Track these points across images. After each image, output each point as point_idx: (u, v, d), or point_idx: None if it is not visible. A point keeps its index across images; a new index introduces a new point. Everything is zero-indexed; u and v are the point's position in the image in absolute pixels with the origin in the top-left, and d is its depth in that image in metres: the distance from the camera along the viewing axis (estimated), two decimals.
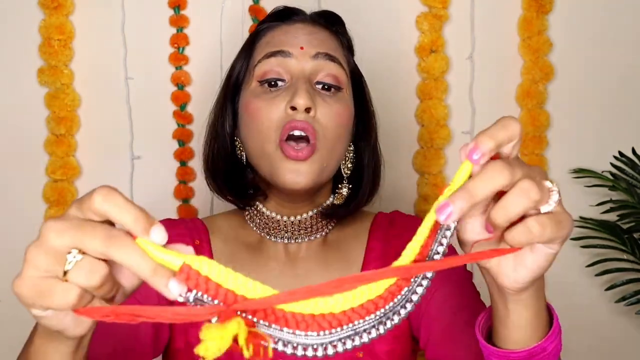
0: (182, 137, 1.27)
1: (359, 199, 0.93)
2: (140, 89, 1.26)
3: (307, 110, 0.84)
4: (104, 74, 1.26)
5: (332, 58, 0.89)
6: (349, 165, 0.94)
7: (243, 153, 0.92)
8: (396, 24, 1.30)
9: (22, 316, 1.30)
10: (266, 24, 0.95)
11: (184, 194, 1.27)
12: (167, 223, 0.94)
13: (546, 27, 1.30)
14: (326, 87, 0.88)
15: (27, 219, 1.26)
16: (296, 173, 0.84)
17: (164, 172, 1.28)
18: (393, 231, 0.94)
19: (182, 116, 1.27)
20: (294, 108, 0.84)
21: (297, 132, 0.84)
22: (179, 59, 1.26)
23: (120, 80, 1.26)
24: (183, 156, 1.27)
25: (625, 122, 1.34)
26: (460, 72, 1.31)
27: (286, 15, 0.94)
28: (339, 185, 0.95)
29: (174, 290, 0.46)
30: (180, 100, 1.27)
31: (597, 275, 1.29)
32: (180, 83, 1.27)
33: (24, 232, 1.27)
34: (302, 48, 0.88)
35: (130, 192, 1.27)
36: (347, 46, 0.96)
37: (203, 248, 0.92)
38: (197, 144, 1.27)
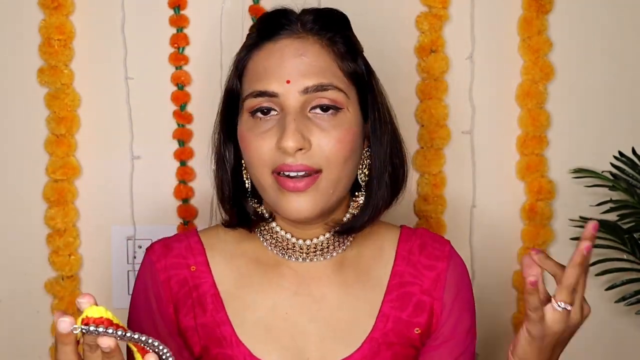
0: (182, 137, 1.27)
1: (371, 207, 0.85)
2: (140, 89, 1.26)
3: (300, 149, 0.78)
4: (104, 74, 1.26)
5: (323, 88, 0.80)
6: (366, 172, 0.86)
7: (248, 180, 0.87)
8: (396, 24, 1.30)
9: (22, 316, 1.31)
10: (251, 38, 0.86)
11: (183, 194, 1.27)
12: (163, 246, 0.89)
13: (546, 27, 1.30)
14: (324, 108, 0.80)
15: (27, 219, 1.26)
16: (298, 204, 0.79)
17: (164, 172, 1.28)
18: (424, 260, 0.89)
19: (182, 116, 1.27)
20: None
21: (292, 174, 0.79)
22: (179, 59, 1.26)
23: (120, 80, 1.26)
24: (183, 156, 1.27)
25: (625, 122, 1.34)
26: (460, 72, 1.31)
27: (271, 31, 0.83)
28: (356, 193, 0.88)
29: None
30: (180, 100, 1.27)
31: (597, 275, 1.28)
32: (180, 83, 1.27)
33: (24, 232, 1.28)
34: (288, 82, 0.79)
35: (130, 192, 1.27)
36: (345, 51, 0.84)
37: (201, 272, 0.86)
38: (197, 144, 1.27)
